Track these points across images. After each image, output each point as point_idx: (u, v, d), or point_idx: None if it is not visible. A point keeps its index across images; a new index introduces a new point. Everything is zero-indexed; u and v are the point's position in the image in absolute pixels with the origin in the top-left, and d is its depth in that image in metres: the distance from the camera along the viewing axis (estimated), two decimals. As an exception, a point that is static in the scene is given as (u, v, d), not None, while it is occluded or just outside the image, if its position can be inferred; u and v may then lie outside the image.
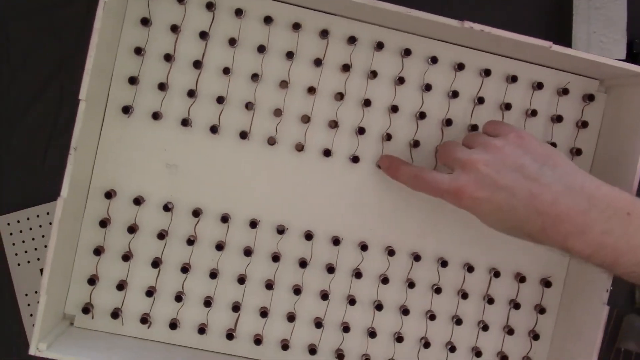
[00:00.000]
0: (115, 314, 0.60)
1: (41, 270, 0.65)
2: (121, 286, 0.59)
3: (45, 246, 0.65)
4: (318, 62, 0.60)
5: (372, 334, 0.62)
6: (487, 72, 0.62)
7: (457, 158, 0.54)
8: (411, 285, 0.62)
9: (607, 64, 0.57)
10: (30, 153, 0.65)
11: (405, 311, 0.62)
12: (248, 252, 0.60)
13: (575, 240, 0.50)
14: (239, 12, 0.59)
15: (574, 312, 0.62)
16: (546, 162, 0.52)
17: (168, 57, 0.59)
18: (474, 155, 0.53)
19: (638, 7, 0.68)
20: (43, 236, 0.65)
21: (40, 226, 0.65)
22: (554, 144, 0.63)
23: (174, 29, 0.59)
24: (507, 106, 0.62)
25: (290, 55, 0.60)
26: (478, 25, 0.55)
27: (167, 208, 0.60)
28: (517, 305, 0.63)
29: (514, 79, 0.62)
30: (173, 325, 0.60)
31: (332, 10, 0.60)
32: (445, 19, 0.55)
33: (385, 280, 0.62)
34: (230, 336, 0.61)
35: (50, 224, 0.65)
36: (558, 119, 0.63)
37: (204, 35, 0.59)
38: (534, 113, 0.62)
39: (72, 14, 0.64)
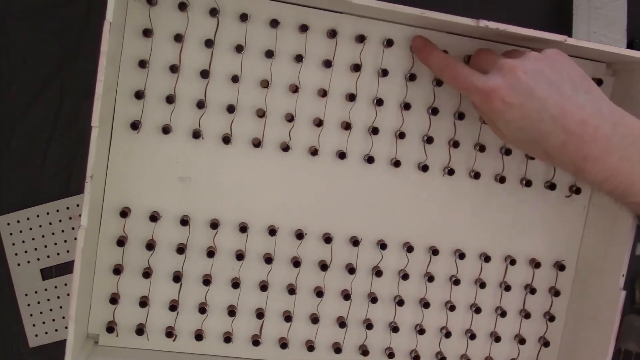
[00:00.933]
0: (140, 330, 0.59)
1: (41, 270, 0.65)
2: (144, 303, 0.59)
3: (46, 246, 0.65)
4: (328, 64, 0.59)
5: (394, 328, 0.63)
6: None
7: (495, 60, 0.53)
8: (430, 279, 0.63)
9: (620, 54, 0.57)
10: (30, 153, 0.64)
11: (425, 304, 0.63)
12: (269, 260, 0.60)
13: (593, 163, 0.51)
14: (244, 17, 0.57)
15: (587, 296, 0.64)
16: (581, 85, 0.52)
17: (174, 68, 0.57)
18: (514, 60, 0.52)
19: (638, 7, 0.67)
20: (43, 236, 0.65)
21: (40, 226, 0.65)
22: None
23: (178, 38, 0.56)
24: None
25: (299, 58, 0.58)
26: (493, 23, 0.54)
27: (184, 222, 0.59)
28: (532, 290, 0.65)
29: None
30: (199, 336, 0.60)
31: (340, 8, 0.58)
32: (462, 19, 0.54)
33: (405, 276, 0.62)
34: (256, 342, 0.61)
35: (51, 224, 0.65)
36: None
37: (209, 43, 0.57)
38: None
39: (72, 14, 0.63)
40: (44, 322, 0.65)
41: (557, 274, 0.65)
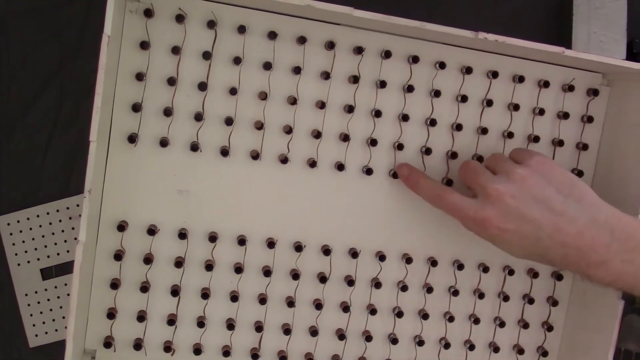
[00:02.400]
0: (138, 345, 0.59)
1: (41, 270, 0.65)
2: (142, 317, 0.58)
3: (46, 246, 0.65)
4: (326, 75, 0.58)
5: (394, 340, 0.63)
6: (495, 74, 0.61)
7: (482, 185, 0.54)
8: (429, 290, 0.63)
9: (616, 65, 0.57)
10: (30, 153, 0.64)
11: (424, 315, 0.63)
12: (267, 272, 0.60)
13: (597, 270, 0.52)
14: (241, 29, 0.57)
15: (585, 305, 0.64)
16: (571, 193, 0.53)
17: (171, 81, 0.56)
18: (500, 185, 0.53)
19: (638, 7, 0.68)
20: (43, 236, 0.65)
21: (40, 226, 0.64)
22: (561, 142, 0.63)
23: (175, 50, 0.56)
24: (515, 107, 0.62)
25: (297, 70, 0.58)
26: (492, 35, 0.54)
27: (182, 235, 0.58)
28: (531, 300, 0.65)
29: (520, 79, 0.62)
30: (197, 350, 0.60)
31: (339, 20, 0.58)
32: (460, 31, 0.54)
33: (404, 288, 0.62)
34: (255, 356, 0.61)
35: (51, 224, 0.64)
36: (565, 115, 0.63)
37: (207, 55, 0.56)
38: (541, 112, 0.63)
39: (72, 14, 0.63)
40: (44, 322, 0.65)
41: (555, 283, 0.66)
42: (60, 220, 0.64)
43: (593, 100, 0.64)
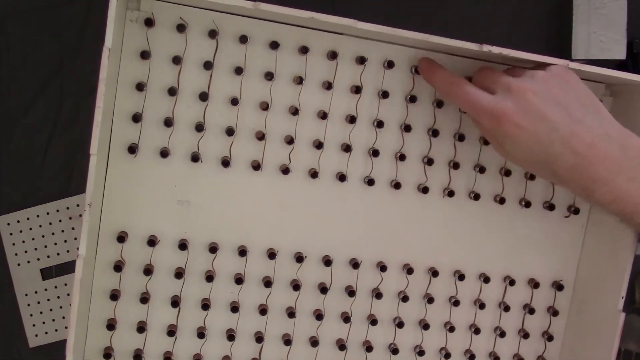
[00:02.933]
0: (138, 357, 0.58)
1: (41, 270, 0.65)
2: (142, 328, 0.58)
3: (46, 246, 0.65)
4: (328, 85, 0.58)
5: (394, 350, 0.63)
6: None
7: (502, 81, 0.52)
8: (430, 300, 0.63)
9: (618, 77, 0.57)
10: (30, 153, 0.64)
11: (425, 326, 0.63)
12: (268, 283, 0.59)
13: (601, 185, 0.51)
14: (243, 39, 0.56)
15: (586, 316, 0.64)
16: (589, 105, 0.53)
17: (172, 91, 0.56)
18: (523, 82, 0.52)
19: (638, 7, 0.68)
20: (43, 236, 0.65)
21: (40, 226, 0.64)
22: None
23: (176, 60, 0.55)
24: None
25: (299, 80, 0.57)
26: (496, 48, 0.54)
27: (182, 246, 0.58)
28: (531, 310, 0.65)
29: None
30: (198, 361, 0.59)
31: (342, 30, 0.57)
32: (465, 43, 0.53)
33: (405, 298, 0.62)
34: (256, 366, 0.61)
35: (51, 224, 0.64)
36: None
37: (208, 65, 0.56)
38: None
39: (72, 14, 0.62)
40: (44, 322, 0.65)
41: (556, 293, 0.65)
42: (60, 220, 0.64)
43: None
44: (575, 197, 0.64)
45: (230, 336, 0.59)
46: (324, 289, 0.60)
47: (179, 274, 0.58)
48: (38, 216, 0.64)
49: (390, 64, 0.59)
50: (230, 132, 0.57)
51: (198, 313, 0.59)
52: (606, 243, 0.63)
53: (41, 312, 0.65)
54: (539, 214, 0.64)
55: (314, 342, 0.61)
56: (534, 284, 0.65)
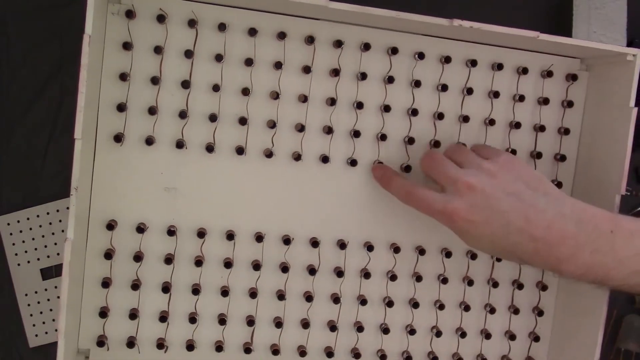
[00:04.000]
0: (131, 343, 0.59)
1: (41, 270, 0.66)
2: (134, 315, 0.59)
3: (46, 246, 0.66)
4: (307, 70, 0.59)
5: (385, 330, 0.63)
6: (474, 63, 0.62)
7: (450, 177, 0.54)
8: (418, 278, 0.63)
9: (592, 48, 0.58)
10: (30, 153, 0.64)
11: (415, 304, 0.63)
12: (257, 266, 0.60)
13: (567, 264, 0.52)
14: (222, 27, 0.58)
15: (571, 314, 0.65)
16: (538, 189, 0.53)
17: (155, 80, 0.57)
18: (469, 177, 0.53)
19: (638, 7, 0.68)
20: (43, 236, 0.65)
21: (40, 226, 0.65)
22: (542, 127, 0.64)
23: (158, 50, 0.57)
24: (496, 94, 0.63)
25: (278, 65, 0.59)
26: (467, 22, 0.55)
27: (170, 232, 0.59)
28: (520, 286, 0.65)
29: (499, 66, 0.63)
30: (190, 347, 0.60)
31: (317, 15, 0.59)
32: (435, 19, 0.55)
33: (393, 277, 0.63)
34: (248, 350, 0.61)
35: (51, 224, 0.65)
36: (545, 101, 0.64)
37: (189, 53, 0.57)
38: (521, 98, 0.63)
39: (72, 14, 0.63)
40: (44, 322, 0.66)
41: (540, 293, 0.66)
42: (60, 220, 0.65)
43: (572, 85, 0.64)
44: (558, 170, 0.65)
45: (222, 320, 0.60)
46: (312, 271, 0.61)
47: (169, 259, 0.59)
48: (38, 216, 0.65)
49: (366, 46, 0.60)
50: (213, 118, 0.58)
51: (189, 298, 0.60)
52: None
53: (41, 312, 0.66)
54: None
55: (305, 324, 0.62)
56: (518, 285, 0.65)
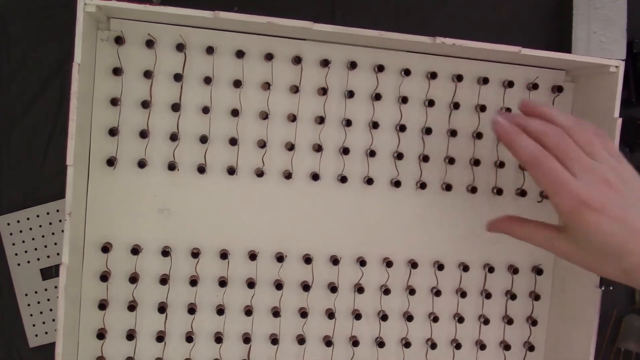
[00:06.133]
0: (129, 364, 0.60)
1: (41, 270, 0.66)
2: (131, 336, 0.60)
3: (46, 246, 0.66)
4: (295, 89, 0.60)
5: (380, 343, 0.64)
6: (460, 78, 0.63)
7: (586, 165, 0.51)
8: (412, 292, 0.64)
9: (575, 61, 0.59)
10: (30, 153, 0.65)
11: (409, 317, 0.64)
12: (251, 284, 0.61)
13: None
14: (210, 50, 0.59)
15: (567, 297, 0.65)
16: None
17: (145, 104, 0.58)
18: (606, 173, 0.51)
19: (638, 7, 0.69)
20: (43, 236, 0.66)
21: (40, 226, 0.66)
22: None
23: (148, 74, 0.58)
24: (482, 108, 0.64)
25: (267, 86, 0.60)
26: (449, 39, 0.56)
27: (165, 253, 0.60)
28: (513, 296, 0.66)
29: (485, 80, 0.64)
30: (187, 365, 0.61)
31: (303, 36, 0.60)
32: (419, 37, 0.56)
33: (386, 291, 0.63)
34: (244, 367, 0.62)
35: (51, 224, 0.66)
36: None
37: (178, 77, 0.59)
38: (508, 111, 0.64)
39: (72, 14, 0.63)
40: (44, 322, 0.66)
41: (536, 278, 0.67)
42: (60, 220, 0.66)
43: (558, 97, 0.65)
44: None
45: (218, 338, 0.61)
46: (306, 287, 0.62)
47: (164, 280, 0.60)
48: (38, 216, 0.65)
49: (353, 65, 0.61)
50: (203, 139, 0.59)
51: (185, 317, 0.61)
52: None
53: (41, 312, 0.66)
54: (512, 200, 0.66)
55: (301, 340, 0.62)
56: (514, 270, 0.66)
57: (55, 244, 0.66)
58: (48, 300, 0.67)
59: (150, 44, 0.58)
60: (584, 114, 0.64)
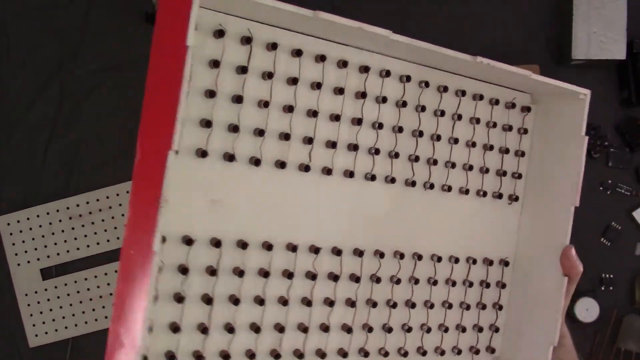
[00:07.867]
0: (172, 357, 0.58)
1: (41, 270, 0.65)
2: (177, 328, 0.58)
3: (46, 246, 0.65)
4: (339, 91, 0.64)
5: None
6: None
7: None
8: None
9: (538, 81, 0.69)
10: (30, 153, 0.64)
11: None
12: (291, 275, 0.63)
13: None
14: (274, 46, 0.60)
15: (529, 285, 0.77)
16: None
17: (211, 93, 0.58)
18: None
19: (638, 7, 0.72)
20: (43, 236, 0.64)
21: (40, 226, 0.64)
22: (507, 150, 0.76)
23: (216, 64, 0.58)
24: (477, 120, 0.74)
25: (318, 85, 0.63)
26: (486, 59, 0.65)
27: (217, 243, 0.60)
28: (487, 285, 0.76)
29: (481, 97, 0.73)
30: (226, 356, 0.61)
31: (375, 46, 0.65)
32: (460, 54, 0.64)
33: (398, 281, 0.70)
34: (278, 356, 0.64)
35: (51, 224, 0.64)
36: (509, 128, 0.76)
37: (243, 69, 0.59)
38: (494, 125, 0.75)
39: (72, 14, 0.63)
40: (44, 322, 0.64)
41: (503, 269, 0.78)
42: (60, 220, 0.63)
43: (527, 115, 0.78)
44: (515, 186, 0.77)
45: (257, 329, 0.62)
46: (336, 277, 0.66)
47: (213, 271, 0.59)
48: (38, 216, 0.63)
49: (387, 73, 0.67)
50: (260, 132, 0.61)
51: (228, 309, 0.61)
52: (541, 222, 0.76)
53: (41, 312, 0.64)
54: (489, 201, 0.76)
55: (325, 328, 0.66)
56: (481, 261, 0.76)
57: (55, 244, 0.64)
58: (48, 300, 0.64)
59: (220, 34, 0.58)
60: (544, 129, 0.76)
